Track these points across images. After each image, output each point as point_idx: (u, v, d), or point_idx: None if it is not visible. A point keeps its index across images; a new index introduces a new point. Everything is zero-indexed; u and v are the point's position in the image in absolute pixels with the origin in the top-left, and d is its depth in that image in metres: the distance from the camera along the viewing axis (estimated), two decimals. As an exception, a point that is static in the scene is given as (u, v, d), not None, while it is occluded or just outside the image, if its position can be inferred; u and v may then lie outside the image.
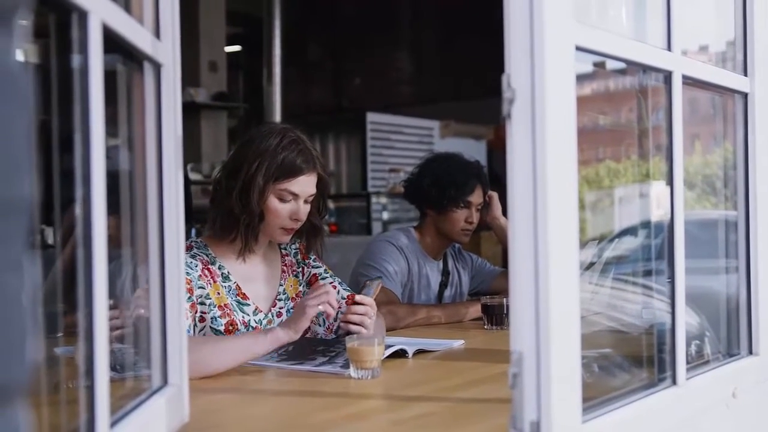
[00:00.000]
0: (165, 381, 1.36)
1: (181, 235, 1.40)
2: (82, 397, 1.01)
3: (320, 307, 2.01)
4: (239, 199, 2.16)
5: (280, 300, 2.32)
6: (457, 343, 2.33)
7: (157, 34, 1.35)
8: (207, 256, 2.21)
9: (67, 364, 1.32)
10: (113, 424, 1.08)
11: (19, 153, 0.57)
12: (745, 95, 1.79)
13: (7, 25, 0.56)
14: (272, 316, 2.28)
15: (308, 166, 2.20)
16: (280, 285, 2.34)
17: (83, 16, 0.99)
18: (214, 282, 2.19)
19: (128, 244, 1.34)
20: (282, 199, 2.19)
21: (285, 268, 2.37)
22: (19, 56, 0.59)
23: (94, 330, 1.00)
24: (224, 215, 2.20)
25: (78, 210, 1.00)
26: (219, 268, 2.22)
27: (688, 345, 1.57)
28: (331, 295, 2.04)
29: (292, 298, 2.35)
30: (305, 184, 2.20)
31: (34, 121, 0.61)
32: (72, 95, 1.01)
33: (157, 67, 1.35)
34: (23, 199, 0.57)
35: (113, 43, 1.11)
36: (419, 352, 2.16)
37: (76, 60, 1.01)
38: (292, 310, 2.30)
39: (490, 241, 6.15)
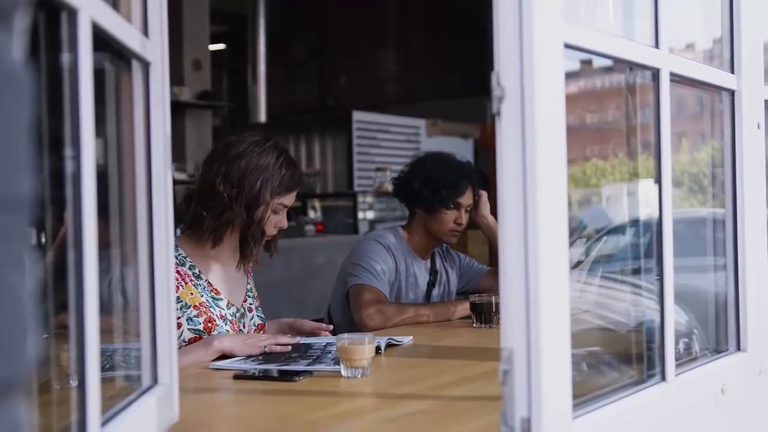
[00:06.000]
0: (155, 380, 1.35)
1: (171, 235, 1.39)
2: (73, 397, 1.01)
3: (266, 348, 2.11)
4: (244, 212, 2.22)
5: (249, 297, 2.41)
6: (407, 339, 2.35)
7: (145, 32, 1.34)
8: (176, 257, 2.21)
9: (49, 364, 1.31)
10: (104, 423, 1.07)
11: (21, 151, 0.57)
12: (732, 92, 1.80)
13: (8, 22, 0.55)
14: (244, 310, 2.37)
15: (302, 181, 2.33)
16: (248, 283, 2.43)
17: (72, 13, 0.98)
18: (186, 283, 2.21)
19: (117, 244, 1.34)
20: (276, 212, 2.28)
21: (249, 268, 2.45)
22: (20, 54, 0.59)
23: (85, 331, 0.99)
24: (223, 224, 2.24)
25: (68, 210, 0.99)
26: (190, 268, 2.26)
27: (676, 342, 1.57)
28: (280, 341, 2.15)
29: (256, 297, 2.46)
30: (294, 197, 2.33)
31: (34, 119, 0.61)
32: (60, 93, 1.00)
33: (145, 65, 1.34)
34: (25, 196, 0.57)
35: (101, 41, 1.10)
36: (388, 347, 2.20)
37: (65, 58, 1.00)
38: (259, 308, 2.43)
39: (477, 240, 6.16)
